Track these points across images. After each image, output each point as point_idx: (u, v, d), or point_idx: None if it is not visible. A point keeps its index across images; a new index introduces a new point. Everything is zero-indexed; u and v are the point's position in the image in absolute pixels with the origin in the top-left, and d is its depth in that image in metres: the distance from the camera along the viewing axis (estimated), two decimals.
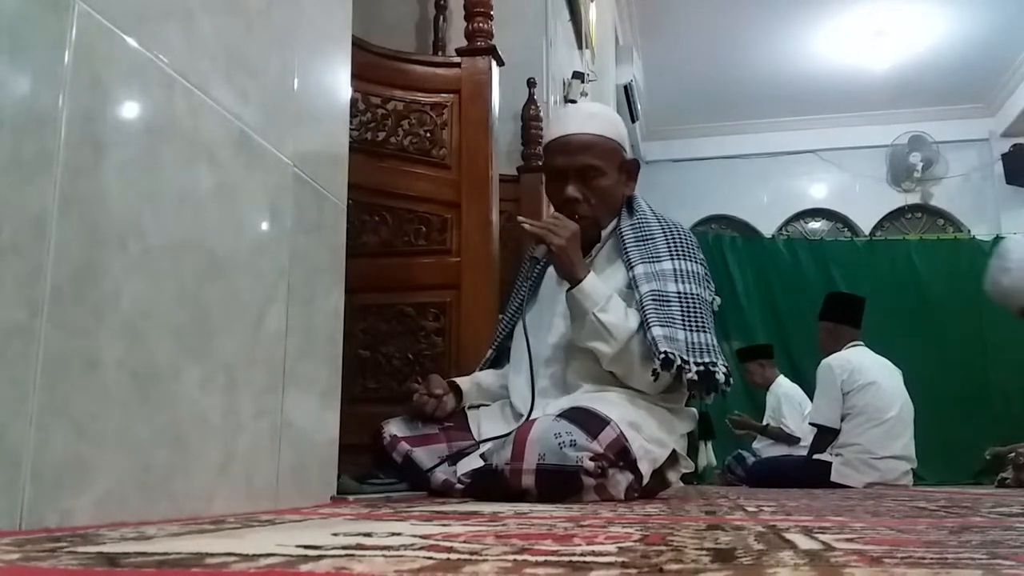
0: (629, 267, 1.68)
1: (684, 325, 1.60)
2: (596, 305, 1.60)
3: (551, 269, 1.81)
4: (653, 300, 1.61)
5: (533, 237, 1.69)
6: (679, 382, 1.59)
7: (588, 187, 1.73)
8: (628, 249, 1.71)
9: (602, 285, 1.65)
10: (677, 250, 1.70)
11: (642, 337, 1.58)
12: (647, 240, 1.72)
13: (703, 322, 1.63)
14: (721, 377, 1.59)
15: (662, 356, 1.53)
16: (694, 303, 1.64)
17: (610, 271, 1.72)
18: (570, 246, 1.64)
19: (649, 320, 1.57)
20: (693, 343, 1.59)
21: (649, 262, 1.67)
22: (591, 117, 1.80)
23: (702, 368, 1.57)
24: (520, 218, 1.73)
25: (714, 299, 1.75)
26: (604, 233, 1.78)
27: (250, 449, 1.03)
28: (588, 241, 1.75)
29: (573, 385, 1.67)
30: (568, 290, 1.64)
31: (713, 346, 1.62)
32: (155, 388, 0.85)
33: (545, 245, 1.65)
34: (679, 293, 1.63)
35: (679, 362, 1.54)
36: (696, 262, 1.71)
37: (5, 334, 0.67)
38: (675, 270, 1.66)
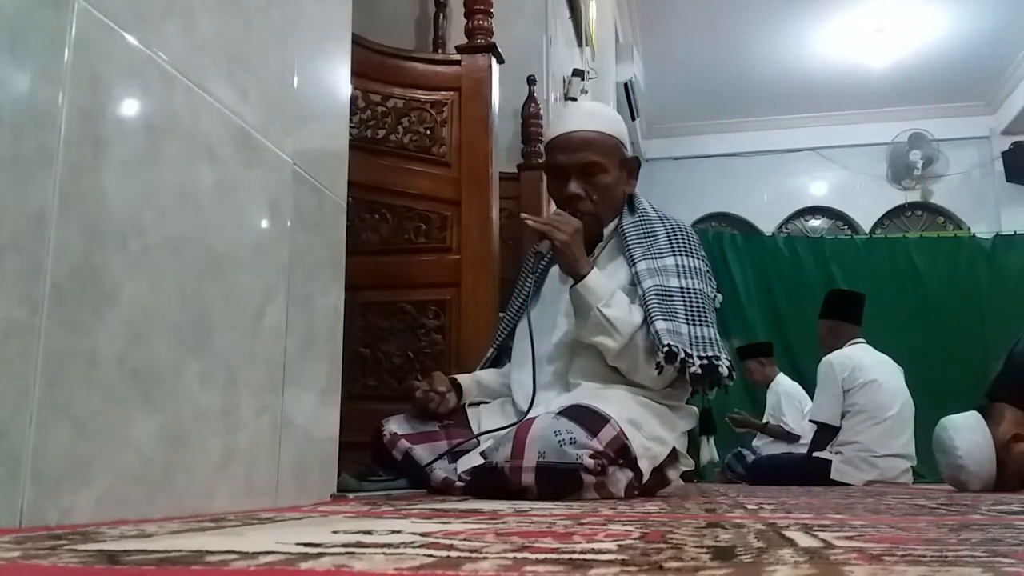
0: (632, 263, 1.69)
1: (687, 320, 1.61)
2: (600, 300, 1.61)
3: (554, 268, 1.81)
4: (656, 295, 1.62)
5: (536, 233, 1.69)
6: (683, 378, 1.61)
7: (590, 184, 1.74)
8: (631, 246, 1.72)
9: (605, 281, 1.66)
10: (679, 247, 1.71)
11: (646, 332, 1.59)
12: (649, 237, 1.73)
13: (705, 317, 1.65)
14: (724, 371, 1.61)
15: (665, 349, 1.54)
16: (697, 298, 1.65)
17: (613, 268, 1.73)
18: (573, 242, 1.65)
19: (653, 314, 1.59)
20: (696, 337, 1.60)
21: (652, 258, 1.69)
22: (591, 115, 1.82)
23: (705, 362, 1.58)
24: (524, 215, 1.73)
25: (716, 295, 1.76)
26: (607, 231, 1.79)
27: (250, 447, 1.03)
28: (591, 239, 1.75)
29: (575, 383, 1.67)
30: (572, 286, 1.65)
31: (716, 340, 1.63)
32: (155, 386, 0.85)
33: (549, 241, 1.65)
34: (682, 288, 1.65)
35: (683, 355, 1.55)
36: (698, 258, 1.72)
37: (5, 332, 0.67)
38: (677, 266, 1.68)
